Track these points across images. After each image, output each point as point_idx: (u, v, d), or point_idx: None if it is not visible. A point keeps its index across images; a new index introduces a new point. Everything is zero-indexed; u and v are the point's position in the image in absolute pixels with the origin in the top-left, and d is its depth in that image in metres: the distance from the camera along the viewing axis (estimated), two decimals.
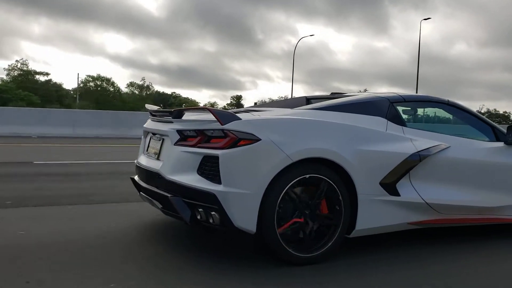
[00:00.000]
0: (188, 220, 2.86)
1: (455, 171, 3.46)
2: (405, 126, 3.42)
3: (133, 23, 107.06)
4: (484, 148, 3.65)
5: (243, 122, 2.81)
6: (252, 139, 2.76)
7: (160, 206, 3.15)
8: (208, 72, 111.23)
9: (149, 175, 3.31)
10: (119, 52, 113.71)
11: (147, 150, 3.54)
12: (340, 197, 2.97)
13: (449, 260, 3.15)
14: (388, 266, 2.97)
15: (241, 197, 2.71)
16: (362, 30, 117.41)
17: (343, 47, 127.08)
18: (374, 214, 3.12)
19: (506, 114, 74.73)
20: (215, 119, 2.80)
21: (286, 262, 2.87)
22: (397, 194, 3.18)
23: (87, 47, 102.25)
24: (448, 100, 3.79)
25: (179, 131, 3.04)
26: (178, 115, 3.15)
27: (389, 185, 3.14)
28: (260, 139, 2.76)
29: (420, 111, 3.89)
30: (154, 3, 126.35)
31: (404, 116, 3.72)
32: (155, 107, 3.67)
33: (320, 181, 2.92)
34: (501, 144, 3.74)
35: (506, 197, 3.68)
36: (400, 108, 3.60)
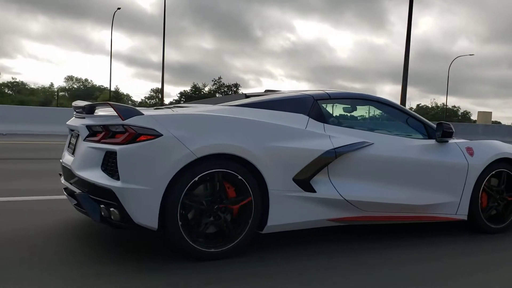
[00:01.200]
0: (95, 217, 2.84)
1: (379, 169, 3.43)
2: (328, 123, 3.41)
3: (129, 20, 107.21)
4: (412, 146, 3.61)
5: (144, 117, 2.79)
6: (153, 135, 2.74)
7: (74, 202, 3.13)
8: (211, 70, 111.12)
9: (66, 171, 3.30)
10: (118, 50, 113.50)
11: (68, 147, 3.53)
12: (250, 192, 2.95)
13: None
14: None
15: (140, 193, 2.69)
16: (359, 26, 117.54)
17: (342, 43, 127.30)
18: (288, 210, 3.10)
19: (454, 109, 75.57)
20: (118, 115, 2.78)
21: (194, 258, 2.85)
22: (312, 190, 3.16)
23: (87, 44, 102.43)
24: (379, 97, 3.77)
25: (88, 127, 3.02)
26: (90, 110, 3.13)
27: (303, 182, 3.12)
28: (161, 135, 2.74)
29: (351, 109, 3.85)
30: (148, 0, 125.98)
31: (334, 114, 3.71)
32: (83, 103, 3.65)
33: (229, 176, 2.91)
34: (432, 141, 3.72)
35: (435, 195, 3.63)
36: (325, 106, 3.59)
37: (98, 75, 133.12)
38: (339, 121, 3.56)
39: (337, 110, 3.80)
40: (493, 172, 3.84)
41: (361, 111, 3.99)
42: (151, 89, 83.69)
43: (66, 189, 3.29)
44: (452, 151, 3.72)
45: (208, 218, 2.88)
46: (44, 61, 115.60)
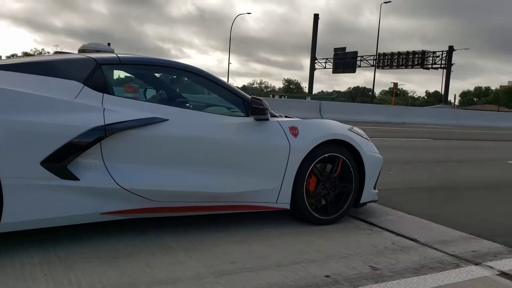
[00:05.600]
0: None
1: (173, 151, 2.85)
2: (111, 94, 2.76)
3: None
4: (220, 124, 3.05)
5: None
6: None
7: None
8: (123, 37, 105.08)
9: None
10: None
11: None
12: None
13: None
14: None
15: None
16: None
17: (252, 14, 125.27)
18: (36, 203, 2.44)
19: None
20: None
21: None
22: (73, 177, 2.51)
23: None
24: (187, 65, 3.18)
25: None
26: None
27: (58, 167, 2.46)
28: None
29: (149, 78, 3.24)
30: None
31: (124, 84, 3.07)
32: None
33: None
34: (249, 119, 3.19)
35: (248, 181, 3.11)
36: (114, 72, 2.94)
37: None
38: (130, 92, 2.93)
39: (131, 78, 3.17)
40: (325, 156, 3.40)
41: (163, 81, 3.39)
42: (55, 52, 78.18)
43: None
44: (271, 131, 3.22)
45: None
46: None
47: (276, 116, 3.39)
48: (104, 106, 2.67)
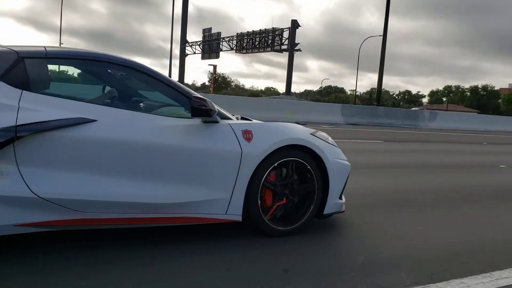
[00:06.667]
0: None
1: (102, 156, 2.54)
2: (32, 91, 2.46)
3: None
4: (160, 127, 2.72)
5: None
6: None
7: None
8: (125, 37, 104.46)
9: None
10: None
11: None
12: None
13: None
14: None
15: None
16: None
17: (248, 11, 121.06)
18: None
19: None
20: None
21: None
22: None
23: None
24: (125, 60, 2.87)
25: None
26: None
27: None
28: None
29: (81, 73, 2.94)
30: None
31: (51, 79, 2.77)
32: None
33: None
34: (196, 121, 2.88)
35: (191, 191, 2.80)
36: (39, 67, 2.63)
37: None
38: (56, 89, 2.63)
39: (59, 74, 2.86)
40: (283, 162, 3.10)
41: (99, 78, 3.08)
42: None
43: None
44: (220, 135, 2.90)
45: None
46: None
47: (228, 118, 3.09)
48: (20, 105, 2.36)
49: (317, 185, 3.23)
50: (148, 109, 3.06)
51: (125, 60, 2.84)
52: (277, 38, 39.69)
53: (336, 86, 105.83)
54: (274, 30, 40.05)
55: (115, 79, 3.09)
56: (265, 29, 40.64)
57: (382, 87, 31.21)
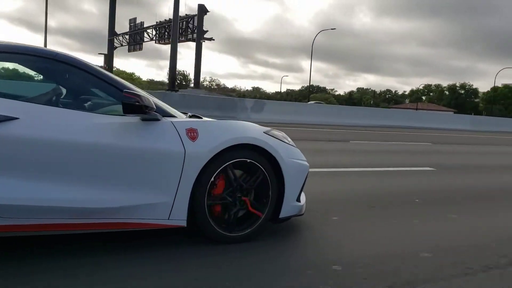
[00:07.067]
0: None
1: (23, 156, 2.27)
2: None
3: None
4: (94, 125, 2.47)
5: None
6: None
7: None
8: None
9: None
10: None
11: None
12: None
13: None
14: None
15: None
16: None
17: (243, 13, 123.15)
18: None
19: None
20: None
21: None
22: None
23: None
24: (52, 52, 2.60)
25: None
26: None
27: None
28: None
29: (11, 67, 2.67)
30: None
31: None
32: None
33: None
34: (134, 119, 2.62)
35: (128, 194, 2.54)
36: None
37: None
38: None
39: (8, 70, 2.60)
40: (231, 162, 2.86)
41: (18, 72, 2.81)
42: None
43: None
44: (161, 133, 2.65)
45: None
46: None
47: (172, 116, 2.84)
48: None
49: (271, 187, 3.01)
50: (95, 107, 2.80)
51: (58, 54, 2.58)
52: (190, 26, 35.70)
53: (318, 85, 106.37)
54: (187, 17, 35.97)
55: (53, 75, 2.83)
56: (180, 16, 33.01)
57: (368, 87, 30.41)
